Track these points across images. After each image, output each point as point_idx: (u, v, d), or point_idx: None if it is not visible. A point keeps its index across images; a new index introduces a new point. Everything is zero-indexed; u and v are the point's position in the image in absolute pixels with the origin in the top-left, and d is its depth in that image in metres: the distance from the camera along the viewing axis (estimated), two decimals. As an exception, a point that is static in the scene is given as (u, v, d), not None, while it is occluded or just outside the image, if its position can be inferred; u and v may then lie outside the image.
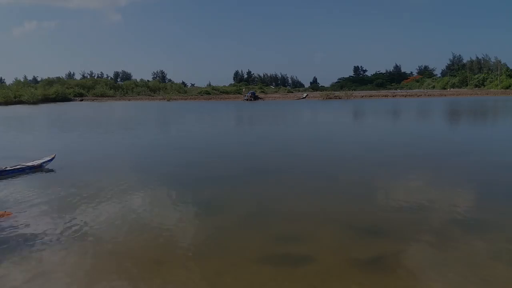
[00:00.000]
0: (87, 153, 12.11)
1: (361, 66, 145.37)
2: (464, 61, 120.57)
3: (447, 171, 9.16)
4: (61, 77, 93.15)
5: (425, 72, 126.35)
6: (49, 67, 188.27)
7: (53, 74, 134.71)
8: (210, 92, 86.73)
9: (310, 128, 21.50)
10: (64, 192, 7.52)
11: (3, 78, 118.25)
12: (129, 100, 73.46)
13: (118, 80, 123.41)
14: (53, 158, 10.26)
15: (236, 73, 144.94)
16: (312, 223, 5.78)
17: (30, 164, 9.87)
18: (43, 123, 27.01)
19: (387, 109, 36.33)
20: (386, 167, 9.76)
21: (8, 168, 9.37)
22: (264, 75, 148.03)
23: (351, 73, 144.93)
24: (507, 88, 73.31)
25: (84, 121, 27.41)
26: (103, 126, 22.82)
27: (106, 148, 13.62)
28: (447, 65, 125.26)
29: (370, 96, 69.59)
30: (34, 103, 60.29)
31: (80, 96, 75.87)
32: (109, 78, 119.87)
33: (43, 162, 10.08)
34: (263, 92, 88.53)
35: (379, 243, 4.96)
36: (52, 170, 9.76)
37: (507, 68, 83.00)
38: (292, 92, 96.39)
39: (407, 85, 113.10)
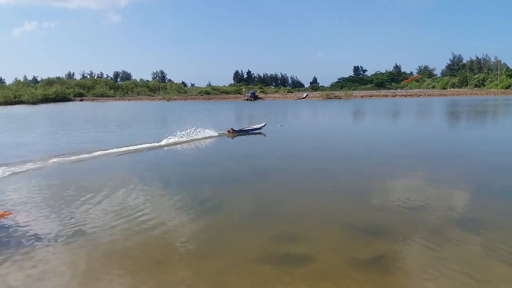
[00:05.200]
0: (86, 152, 12.08)
1: (361, 66, 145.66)
2: (464, 61, 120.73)
3: (446, 171, 9.16)
4: (61, 77, 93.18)
5: (425, 72, 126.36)
6: (49, 67, 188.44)
7: (53, 74, 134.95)
8: (210, 92, 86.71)
9: (310, 128, 21.49)
10: (64, 192, 7.52)
11: (3, 78, 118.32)
12: (129, 100, 73.45)
13: (118, 80, 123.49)
14: (265, 124, 17.61)
15: (236, 73, 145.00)
16: (312, 223, 5.78)
17: (255, 126, 17.55)
18: (45, 123, 27.02)
19: (387, 109, 36.34)
20: (386, 167, 9.76)
21: (245, 128, 17.31)
22: (264, 75, 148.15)
23: (351, 73, 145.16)
24: (507, 88, 73.32)
25: (87, 120, 27.40)
26: (105, 125, 22.81)
27: (105, 148, 13.58)
28: (447, 65, 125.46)
29: (370, 96, 69.59)
30: (34, 103, 60.27)
31: (80, 96, 75.86)
32: (109, 78, 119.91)
33: (261, 126, 17.43)
34: (263, 92, 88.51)
35: (379, 243, 4.96)
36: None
37: (507, 68, 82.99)
38: (292, 92, 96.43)
39: (407, 85, 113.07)
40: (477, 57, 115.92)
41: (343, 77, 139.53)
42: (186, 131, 15.01)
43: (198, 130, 15.55)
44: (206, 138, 15.41)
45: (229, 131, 16.66)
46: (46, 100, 64.88)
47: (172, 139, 14.20)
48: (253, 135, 16.77)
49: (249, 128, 17.48)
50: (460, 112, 30.76)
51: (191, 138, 14.88)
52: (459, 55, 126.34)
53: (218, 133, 16.36)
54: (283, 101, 61.74)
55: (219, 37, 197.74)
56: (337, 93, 73.76)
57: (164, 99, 72.87)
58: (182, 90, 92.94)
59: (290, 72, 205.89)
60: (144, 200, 7.05)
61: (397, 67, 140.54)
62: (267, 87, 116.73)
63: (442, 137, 16.16)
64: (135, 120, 28.68)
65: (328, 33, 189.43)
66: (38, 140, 16.54)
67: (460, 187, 7.70)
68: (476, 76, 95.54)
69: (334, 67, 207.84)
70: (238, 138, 16.16)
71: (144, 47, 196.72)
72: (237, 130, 16.94)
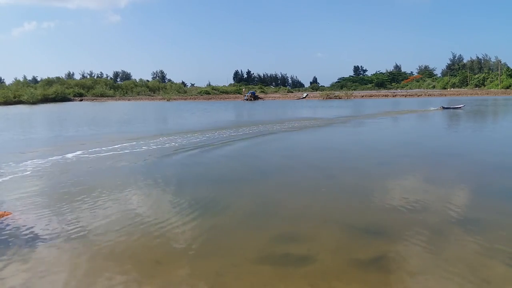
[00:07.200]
0: (87, 151, 12.08)
1: (361, 66, 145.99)
2: (464, 61, 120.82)
3: (446, 171, 9.15)
4: (60, 77, 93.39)
5: (425, 72, 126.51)
6: (49, 67, 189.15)
7: (52, 74, 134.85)
8: (210, 92, 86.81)
9: (310, 127, 21.45)
10: (64, 192, 7.51)
11: (2, 78, 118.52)
12: (128, 100, 73.48)
13: (118, 80, 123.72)
14: (464, 105, 30.09)
15: (236, 73, 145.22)
16: (312, 223, 5.77)
17: (456, 106, 30.66)
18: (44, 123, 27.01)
19: (387, 109, 36.28)
20: (386, 167, 9.76)
21: (451, 106, 30.36)
22: (264, 75, 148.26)
23: (351, 73, 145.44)
24: (507, 87, 73.36)
25: (90, 119, 27.42)
26: (105, 124, 22.82)
27: (105, 147, 13.57)
28: (447, 65, 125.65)
29: (370, 96, 69.64)
30: (34, 103, 60.29)
31: (80, 96, 75.94)
32: (108, 78, 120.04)
33: (462, 106, 30.07)
34: (263, 92, 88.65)
35: (379, 243, 4.96)
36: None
37: (508, 68, 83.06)
38: (292, 92, 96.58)
39: (407, 85, 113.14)
40: (477, 57, 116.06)
41: (343, 77, 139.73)
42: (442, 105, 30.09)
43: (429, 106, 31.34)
44: (431, 110, 29.15)
45: (440, 108, 30.38)
46: (45, 100, 64.97)
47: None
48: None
49: (454, 106, 30.78)
50: (460, 112, 30.72)
51: (424, 110, 30.09)
52: (460, 55, 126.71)
53: (436, 108, 30.29)
54: (283, 101, 61.74)
55: (218, 37, 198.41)
56: (337, 93, 73.92)
57: (164, 99, 72.90)
58: (182, 90, 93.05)
59: (290, 72, 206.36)
60: (144, 200, 7.04)
61: (397, 67, 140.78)
62: (267, 87, 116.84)
63: (442, 137, 16.15)
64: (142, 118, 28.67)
65: (328, 33, 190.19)
66: (39, 138, 16.54)
67: (460, 187, 7.70)
68: (477, 76, 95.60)
69: (334, 67, 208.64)
70: (238, 137, 16.17)
71: (144, 47, 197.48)
72: (445, 107, 30.60)
